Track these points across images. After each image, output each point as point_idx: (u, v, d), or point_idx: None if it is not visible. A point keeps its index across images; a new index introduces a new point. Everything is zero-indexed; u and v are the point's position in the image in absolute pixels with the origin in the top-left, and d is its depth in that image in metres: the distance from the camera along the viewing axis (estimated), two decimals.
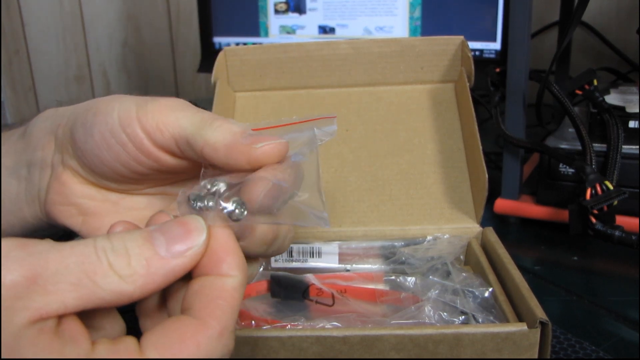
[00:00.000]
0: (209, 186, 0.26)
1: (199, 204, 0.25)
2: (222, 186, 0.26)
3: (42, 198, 0.33)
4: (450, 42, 0.52)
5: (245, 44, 0.90)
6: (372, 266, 0.46)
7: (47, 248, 0.21)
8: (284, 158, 0.27)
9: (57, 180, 0.32)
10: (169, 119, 0.28)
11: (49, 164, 0.33)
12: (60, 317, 0.21)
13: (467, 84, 0.50)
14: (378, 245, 0.46)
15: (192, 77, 1.27)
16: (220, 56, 0.52)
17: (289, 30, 0.89)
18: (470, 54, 0.50)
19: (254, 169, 0.27)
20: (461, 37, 0.52)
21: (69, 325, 0.21)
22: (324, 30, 0.87)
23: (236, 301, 0.24)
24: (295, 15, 0.88)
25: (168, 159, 0.30)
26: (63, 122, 0.32)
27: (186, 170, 0.31)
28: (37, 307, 0.20)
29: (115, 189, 0.33)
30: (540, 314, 0.32)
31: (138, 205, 0.34)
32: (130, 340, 0.22)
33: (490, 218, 0.60)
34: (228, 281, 0.24)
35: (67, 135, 0.31)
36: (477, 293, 0.37)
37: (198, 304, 0.23)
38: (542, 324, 0.32)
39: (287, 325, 0.35)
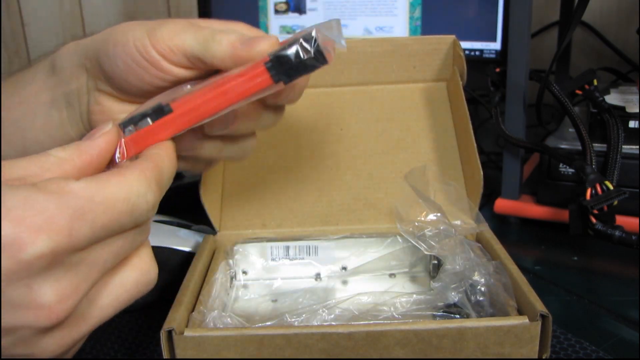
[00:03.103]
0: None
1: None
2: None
3: (85, 120, 0.38)
4: (442, 41, 0.52)
5: None
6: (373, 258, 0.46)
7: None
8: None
9: (96, 103, 0.37)
10: (177, 41, 0.33)
11: (84, 92, 0.37)
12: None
13: (460, 83, 0.50)
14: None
15: None
16: None
17: (289, 31, 0.89)
18: (463, 53, 0.50)
19: None
20: (453, 36, 0.52)
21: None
22: None
23: (165, 162, 0.29)
24: (296, 15, 0.88)
25: (185, 73, 0.34)
26: (89, 55, 0.36)
27: (202, 75, 0.35)
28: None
29: (145, 101, 0.37)
30: (540, 307, 0.32)
31: None
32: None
33: (490, 218, 0.60)
34: (155, 151, 0.30)
35: (96, 66, 0.36)
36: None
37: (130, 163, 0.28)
38: (543, 317, 0.32)
39: None
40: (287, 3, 0.88)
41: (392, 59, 0.53)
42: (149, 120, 0.31)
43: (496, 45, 0.78)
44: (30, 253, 0.22)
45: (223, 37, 0.32)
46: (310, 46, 0.29)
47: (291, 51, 0.29)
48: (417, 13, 0.81)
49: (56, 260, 0.23)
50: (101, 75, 0.36)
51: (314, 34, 0.29)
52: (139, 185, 0.26)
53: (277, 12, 0.89)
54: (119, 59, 0.34)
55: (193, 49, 0.33)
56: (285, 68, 0.29)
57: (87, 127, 0.38)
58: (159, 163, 0.29)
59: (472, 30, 0.79)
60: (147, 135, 0.30)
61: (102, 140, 0.28)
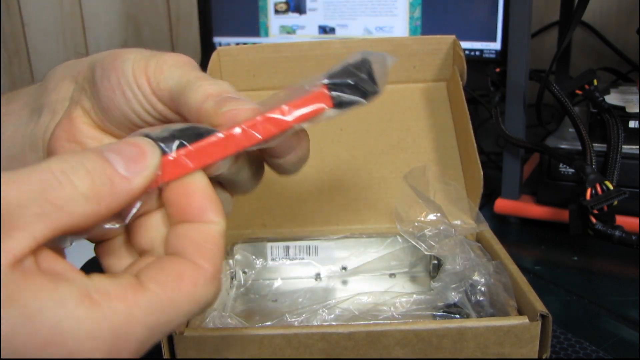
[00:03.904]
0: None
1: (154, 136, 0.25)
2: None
3: (47, 138, 0.33)
4: (442, 41, 0.52)
5: (245, 44, 0.90)
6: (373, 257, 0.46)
7: (2, 181, 0.20)
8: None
9: (68, 117, 0.33)
10: (167, 74, 0.30)
11: (64, 102, 0.33)
12: (35, 253, 0.20)
13: (460, 83, 0.50)
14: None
15: None
16: (214, 56, 0.52)
17: (289, 31, 0.89)
18: (463, 53, 0.50)
19: None
20: (453, 36, 0.52)
21: (46, 259, 0.21)
22: (324, 30, 0.87)
23: (222, 247, 0.25)
24: (296, 15, 0.88)
25: (170, 114, 0.30)
26: (84, 68, 0.33)
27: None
28: (9, 249, 0.19)
29: (120, 136, 0.33)
30: (540, 307, 0.32)
31: None
32: (128, 275, 0.22)
33: (490, 218, 0.60)
34: (214, 227, 0.24)
35: (87, 77, 0.32)
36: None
37: (190, 249, 0.24)
38: (543, 317, 0.32)
39: None
40: (287, 3, 0.88)
41: None
42: (181, 142, 0.25)
43: (496, 45, 0.78)
44: None
45: (204, 84, 0.28)
46: (364, 71, 0.28)
47: (349, 78, 0.27)
48: (417, 13, 0.81)
49: None
50: (88, 86, 0.33)
51: (369, 57, 0.28)
52: (211, 292, 0.24)
53: (277, 12, 0.89)
54: (113, 73, 0.31)
55: (174, 88, 0.29)
56: (340, 92, 0.28)
57: (45, 150, 0.33)
58: (219, 243, 0.24)
59: (472, 30, 0.79)
60: (197, 155, 0.25)
61: (140, 183, 0.23)
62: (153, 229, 0.27)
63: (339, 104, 0.27)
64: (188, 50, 1.25)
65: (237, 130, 0.26)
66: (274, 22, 0.89)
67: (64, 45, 1.25)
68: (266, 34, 0.90)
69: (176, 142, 0.25)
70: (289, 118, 0.26)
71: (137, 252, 0.27)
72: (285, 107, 0.27)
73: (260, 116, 0.26)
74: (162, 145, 0.25)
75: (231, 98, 0.27)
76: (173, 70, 0.30)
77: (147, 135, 0.25)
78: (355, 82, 0.27)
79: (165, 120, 0.31)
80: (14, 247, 0.19)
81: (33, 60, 1.26)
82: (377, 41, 0.53)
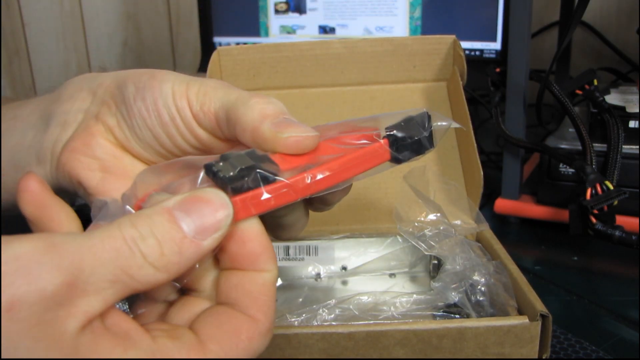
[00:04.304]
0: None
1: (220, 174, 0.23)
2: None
3: (57, 151, 0.32)
4: (442, 41, 0.52)
5: (245, 44, 0.90)
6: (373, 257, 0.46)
7: (77, 247, 0.20)
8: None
9: (87, 130, 0.31)
10: (212, 96, 0.28)
11: (75, 118, 0.32)
12: (102, 313, 0.21)
13: (460, 83, 0.50)
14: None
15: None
16: (214, 56, 0.52)
17: (289, 30, 0.89)
18: (463, 53, 0.50)
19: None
20: (453, 36, 0.52)
21: (113, 319, 0.21)
22: (324, 30, 0.87)
23: (274, 296, 0.25)
24: (296, 15, 0.88)
25: (211, 140, 0.29)
26: (107, 82, 0.32)
27: (209, 152, 0.30)
28: (83, 311, 0.20)
29: (145, 159, 0.32)
30: (540, 307, 0.32)
31: None
32: (188, 333, 0.23)
33: (491, 218, 0.60)
34: (267, 276, 0.24)
35: (113, 92, 0.31)
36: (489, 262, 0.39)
37: (245, 300, 0.24)
38: (543, 316, 0.32)
39: None
40: (287, 3, 0.88)
41: (392, 59, 0.53)
42: (258, 180, 0.23)
43: (496, 45, 0.78)
44: None
45: (258, 102, 0.27)
46: (425, 128, 0.27)
47: (408, 133, 0.27)
48: (417, 13, 0.81)
49: None
50: (115, 103, 0.31)
51: (428, 113, 0.27)
52: (262, 343, 0.24)
53: (277, 12, 0.89)
54: (149, 93, 0.29)
55: (224, 107, 0.28)
56: (400, 147, 0.27)
57: (54, 163, 0.32)
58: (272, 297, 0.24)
59: (472, 30, 0.79)
60: (254, 200, 0.23)
61: (217, 242, 0.23)
62: (201, 268, 0.26)
63: (396, 160, 0.27)
64: (188, 50, 1.25)
65: (307, 179, 0.24)
66: (274, 22, 0.89)
67: (64, 45, 1.25)
68: (266, 34, 0.90)
69: (244, 186, 0.23)
70: (352, 174, 0.26)
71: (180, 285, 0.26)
72: (348, 160, 0.26)
73: (326, 169, 0.25)
74: (231, 187, 0.23)
75: (290, 122, 0.26)
76: (217, 91, 0.29)
77: (215, 174, 0.23)
78: (414, 138, 0.27)
79: (201, 147, 0.30)
80: (87, 310, 0.20)
81: (33, 60, 1.26)
82: (377, 41, 0.53)
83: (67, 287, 0.19)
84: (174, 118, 0.29)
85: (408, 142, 0.27)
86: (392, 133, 0.27)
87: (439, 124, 0.27)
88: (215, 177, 0.23)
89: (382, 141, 0.26)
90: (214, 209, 0.22)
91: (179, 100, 0.29)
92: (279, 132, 0.26)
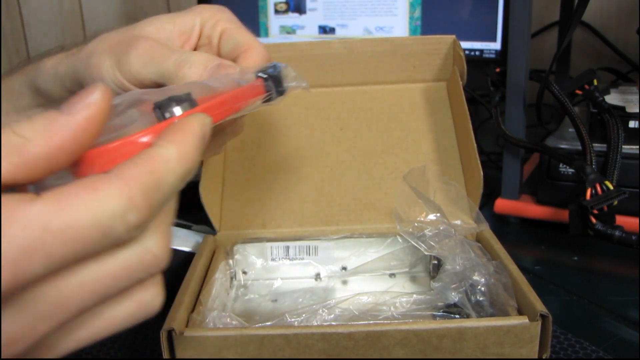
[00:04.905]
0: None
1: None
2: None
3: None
4: (442, 42, 0.52)
5: None
6: (373, 259, 0.46)
7: None
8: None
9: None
10: (146, 73, 0.35)
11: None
12: None
13: (460, 83, 0.50)
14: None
15: None
16: None
17: (289, 31, 0.89)
18: (462, 53, 0.50)
19: None
20: (453, 36, 0.52)
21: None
22: (324, 30, 0.87)
23: (161, 172, 0.22)
24: (296, 15, 0.88)
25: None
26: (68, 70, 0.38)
27: None
28: None
29: None
30: (540, 307, 0.32)
31: None
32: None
33: (490, 218, 0.60)
34: (156, 149, 0.23)
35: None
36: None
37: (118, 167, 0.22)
38: (543, 316, 0.32)
39: None
40: (287, 3, 0.88)
41: (392, 59, 0.53)
42: (179, 108, 0.25)
43: (496, 45, 0.78)
44: None
45: (196, 60, 0.34)
46: (284, 78, 0.34)
47: (280, 77, 0.34)
48: (417, 13, 0.81)
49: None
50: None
51: (282, 65, 0.34)
52: (114, 202, 0.20)
53: (277, 12, 0.89)
54: (90, 80, 0.36)
55: (164, 77, 0.34)
56: (274, 87, 0.33)
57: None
58: (158, 167, 0.22)
59: (472, 30, 0.79)
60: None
61: (83, 116, 0.21)
62: None
63: (269, 94, 0.33)
64: None
65: (217, 106, 0.28)
66: (274, 22, 0.89)
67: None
68: (266, 34, 0.90)
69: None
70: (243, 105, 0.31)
71: None
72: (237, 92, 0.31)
73: (222, 99, 0.29)
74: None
75: (221, 64, 0.34)
76: (151, 65, 0.34)
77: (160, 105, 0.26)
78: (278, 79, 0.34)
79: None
80: None
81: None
82: (377, 41, 0.53)
83: None
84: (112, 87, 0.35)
85: (274, 81, 0.33)
86: (264, 74, 0.33)
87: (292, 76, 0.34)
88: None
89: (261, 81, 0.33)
90: (86, 91, 0.22)
91: (113, 78, 0.35)
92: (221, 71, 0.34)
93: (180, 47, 0.40)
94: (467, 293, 0.38)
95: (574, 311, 0.45)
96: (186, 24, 0.40)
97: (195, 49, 0.41)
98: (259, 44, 0.40)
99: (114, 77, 0.35)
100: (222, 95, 0.29)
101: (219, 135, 0.37)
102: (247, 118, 0.56)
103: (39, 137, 0.21)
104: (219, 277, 0.41)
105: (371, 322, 0.37)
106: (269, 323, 0.37)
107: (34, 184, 0.22)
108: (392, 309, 0.39)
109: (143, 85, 0.35)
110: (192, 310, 0.36)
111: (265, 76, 0.33)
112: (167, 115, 0.25)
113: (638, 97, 0.58)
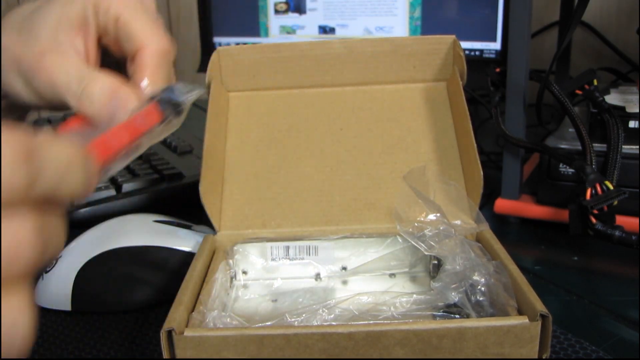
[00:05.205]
0: None
1: None
2: None
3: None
4: (442, 41, 0.52)
5: (245, 44, 0.90)
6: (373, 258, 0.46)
7: None
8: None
9: None
10: (50, 95, 0.36)
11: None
12: None
13: (460, 83, 0.50)
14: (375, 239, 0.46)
15: (192, 77, 1.27)
16: (214, 56, 0.53)
17: (289, 31, 0.89)
18: (463, 53, 0.50)
19: None
20: (453, 36, 0.52)
21: None
22: (324, 30, 0.87)
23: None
24: (295, 15, 0.88)
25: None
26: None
27: None
28: None
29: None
30: (540, 307, 0.32)
31: None
32: None
33: (490, 218, 0.60)
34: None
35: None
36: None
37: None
38: (543, 317, 0.32)
39: None
40: (287, 3, 0.88)
41: (392, 59, 0.53)
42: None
43: (496, 45, 0.78)
44: None
45: (96, 97, 0.34)
46: (179, 96, 0.35)
47: (175, 97, 0.34)
48: (417, 13, 0.81)
49: None
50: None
51: (180, 86, 0.35)
52: None
53: (277, 12, 0.89)
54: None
55: (68, 104, 0.35)
56: (170, 109, 0.34)
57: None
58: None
59: (472, 30, 0.79)
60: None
61: None
62: None
63: (165, 116, 0.34)
64: (188, 50, 1.25)
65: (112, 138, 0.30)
66: (274, 22, 0.89)
67: None
68: (266, 34, 0.90)
69: None
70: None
71: None
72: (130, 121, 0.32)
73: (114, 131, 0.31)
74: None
75: (119, 98, 0.34)
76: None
77: None
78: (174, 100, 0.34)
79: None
80: None
81: None
82: (377, 41, 0.53)
83: None
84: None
85: (171, 104, 0.34)
86: (157, 97, 0.34)
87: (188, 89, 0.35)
88: None
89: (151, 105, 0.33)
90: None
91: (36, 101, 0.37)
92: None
93: (83, 50, 0.37)
94: (467, 293, 0.38)
95: (574, 311, 0.45)
96: (77, 15, 0.37)
97: (98, 47, 0.38)
98: (155, 38, 0.37)
99: (32, 97, 0.36)
100: (109, 132, 0.31)
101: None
102: (246, 118, 0.56)
103: None
104: (219, 277, 0.41)
105: (371, 322, 0.37)
106: (269, 323, 0.37)
107: None
108: (392, 309, 0.39)
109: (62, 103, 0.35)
110: (192, 310, 0.36)
111: (158, 99, 0.34)
112: None
113: (638, 97, 0.58)
